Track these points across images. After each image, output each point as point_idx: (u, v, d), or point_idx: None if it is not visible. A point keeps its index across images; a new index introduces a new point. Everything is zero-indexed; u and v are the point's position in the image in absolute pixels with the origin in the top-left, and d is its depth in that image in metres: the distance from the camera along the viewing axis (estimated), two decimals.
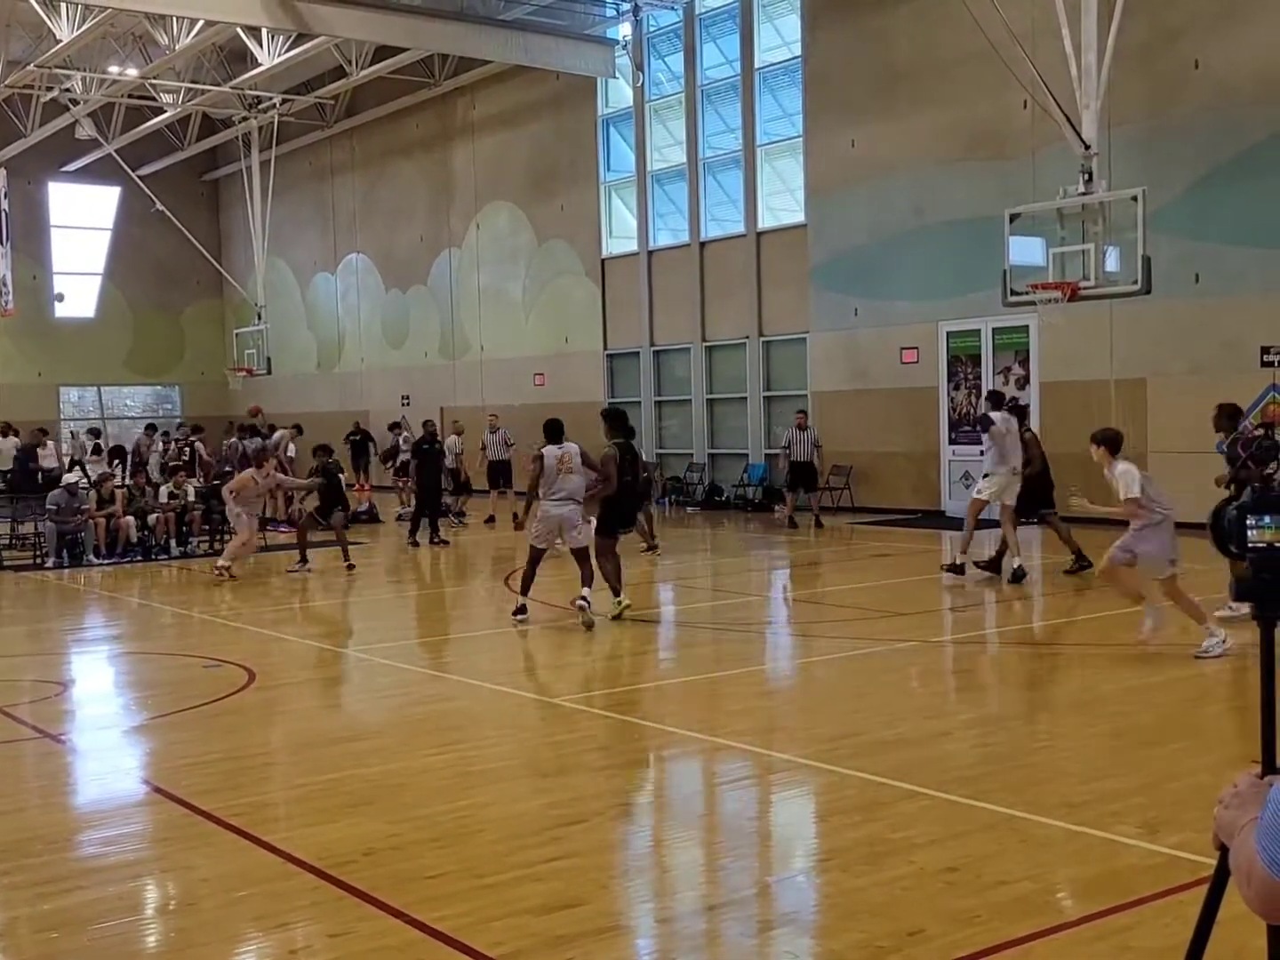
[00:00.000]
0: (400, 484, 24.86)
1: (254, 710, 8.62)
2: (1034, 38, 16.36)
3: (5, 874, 5.35)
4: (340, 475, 17.43)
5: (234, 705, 8.62)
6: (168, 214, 29.75)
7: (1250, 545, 2.15)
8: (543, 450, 11.52)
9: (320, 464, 16.98)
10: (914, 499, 20.69)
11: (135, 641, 12.01)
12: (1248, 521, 2.16)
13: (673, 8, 24.27)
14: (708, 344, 24.42)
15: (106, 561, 17.26)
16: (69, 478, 17.94)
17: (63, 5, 22.40)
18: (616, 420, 12.37)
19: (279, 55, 24.04)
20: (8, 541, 18.28)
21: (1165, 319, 17.11)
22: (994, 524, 14.16)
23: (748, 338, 23.55)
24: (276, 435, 25.45)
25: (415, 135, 30.76)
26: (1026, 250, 15.79)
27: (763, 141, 23.39)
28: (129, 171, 30.26)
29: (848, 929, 4.55)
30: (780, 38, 23.37)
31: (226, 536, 18.44)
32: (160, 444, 26.80)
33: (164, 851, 5.73)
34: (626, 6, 24.42)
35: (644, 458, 19.36)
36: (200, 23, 22.89)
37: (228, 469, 23.40)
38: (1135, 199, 14.52)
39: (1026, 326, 18.91)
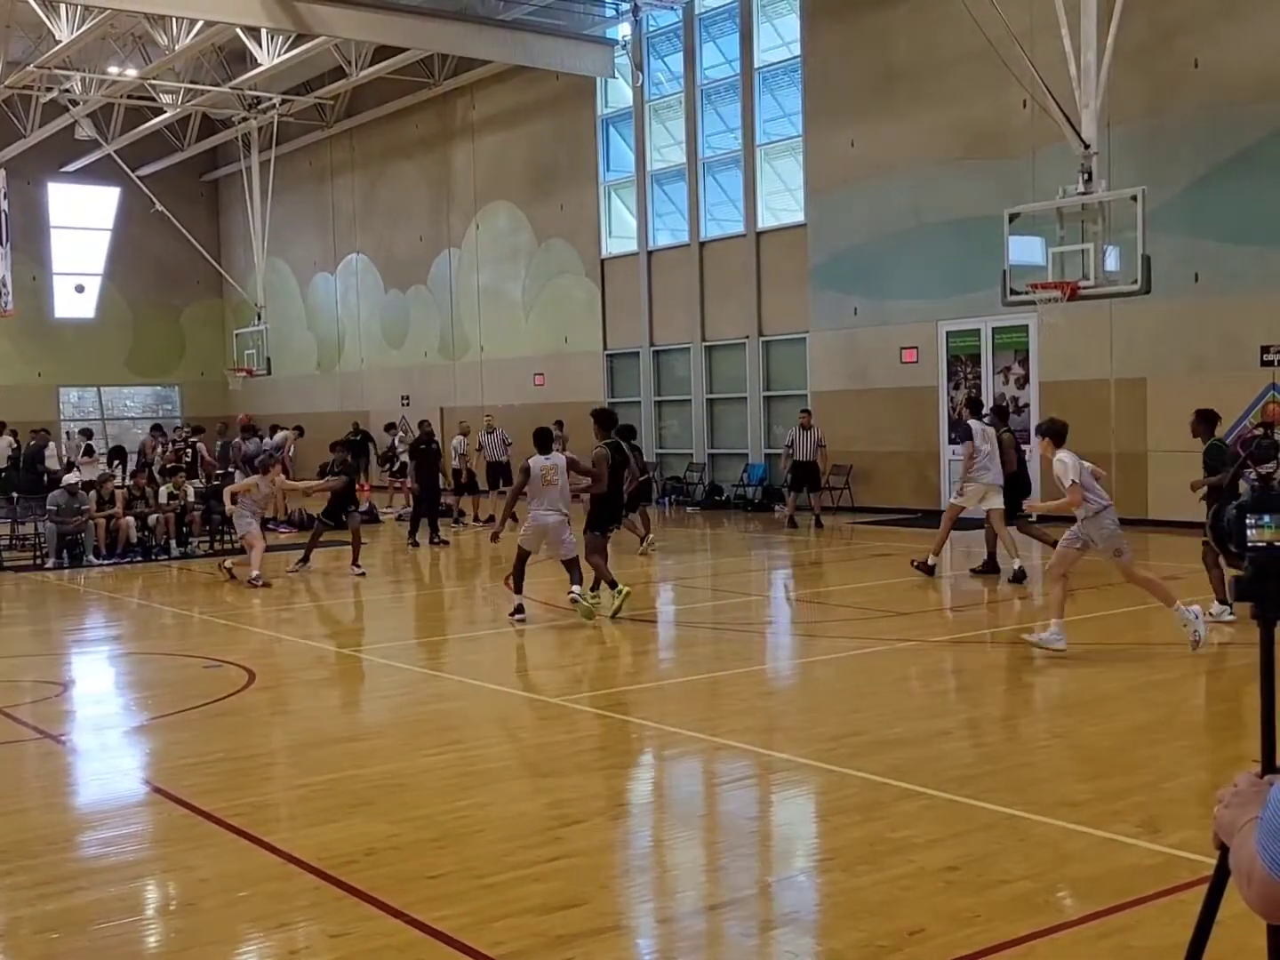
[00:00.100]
0: (398, 484, 24.87)
1: (254, 711, 8.62)
2: (1033, 37, 16.37)
3: (6, 874, 5.35)
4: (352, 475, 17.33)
5: (234, 706, 8.62)
6: (167, 214, 29.75)
7: (1250, 544, 2.15)
8: (529, 461, 11.59)
9: (340, 459, 16.81)
10: (914, 499, 20.70)
11: (135, 642, 12.01)
12: (1247, 521, 2.16)
13: (672, 8, 24.27)
14: (707, 344, 24.42)
15: (106, 562, 17.26)
16: (69, 478, 17.94)
17: (62, 6, 22.40)
18: (606, 420, 12.58)
19: (278, 55, 24.04)
20: (8, 542, 18.30)
21: (1165, 318, 17.11)
22: (969, 527, 14.28)
23: (747, 337, 23.56)
24: (279, 436, 25.45)
25: (415, 135, 30.76)
26: (1026, 250, 15.80)
27: (762, 141, 23.39)
28: (128, 172, 30.26)
29: (848, 928, 4.56)
30: (779, 37, 23.38)
31: (227, 537, 18.46)
32: (162, 445, 26.82)
33: (164, 852, 5.73)
34: (626, 6, 24.42)
35: (644, 457, 19.50)
36: (200, 23, 22.90)
37: (229, 469, 23.41)
38: (1134, 198, 14.52)
39: (1026, 326, 18.91)
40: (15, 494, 20.17)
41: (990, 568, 13.80)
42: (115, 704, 9.55)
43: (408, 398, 31.21)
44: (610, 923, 4.72)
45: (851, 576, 15.12)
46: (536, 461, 11.54)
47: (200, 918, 4.87)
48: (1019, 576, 13.13)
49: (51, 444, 25.29)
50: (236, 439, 25.28)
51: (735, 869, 5.34)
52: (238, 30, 23.77)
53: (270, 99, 29.47)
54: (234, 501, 15.50)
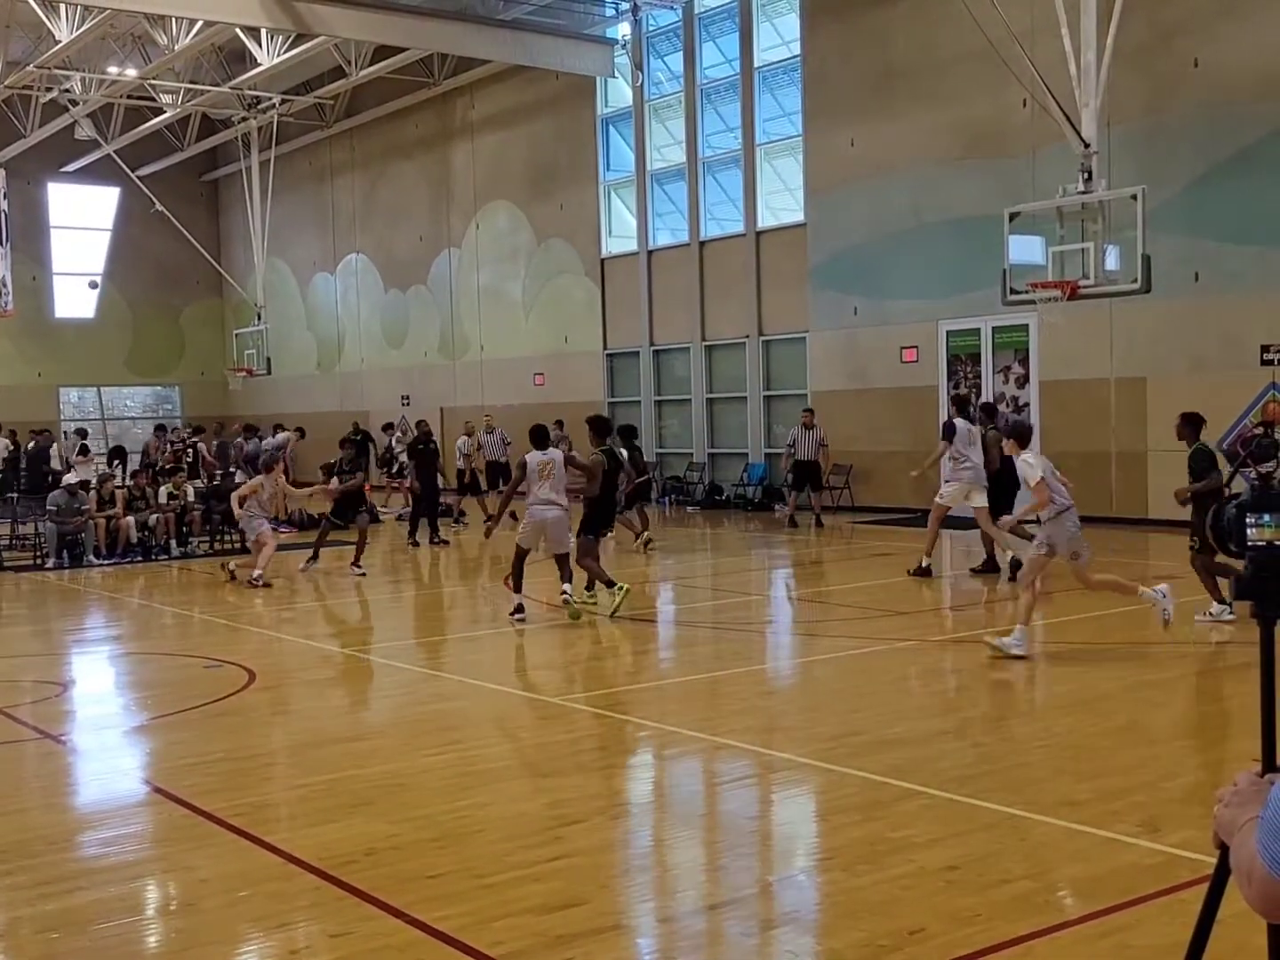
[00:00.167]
0: (395, 484, 24.86)
1: (255, 711, 8.63)
2: (1033, 36, 16.36)
3: (7, 874, 5.35)
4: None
5: (235, 706, 8.62)
6: (167, 214, 29.74)
7: (1250, 543, 2.15)
8: (526, 457, 11.74)
9: (350, 457, 16.64)
10: (914, 498, 20.64)
11: (136, 642, 12.01)
12: (1247, 520, 2.16)
13: (672, 7, 24.27)
14: (707, 343, 24.42)
15: (107, 562, 17.27)
16: (68, 478, 17.94)
17: (62, 6, 22.39)
18: (602, 428, 12.72)
19: (278, 55, 24.04)
20: (8, 542, 18.30)
21: (1165, 317, 17.11)
22: (968, 526, 14.30)
23: (747, 337, 23.56)
24: (281, 436, 25.45)
25: (415, 135, 30.76)
26: (1026, 249, 15.79)
27: (762, 141, 23.39)
28: (128, 172, 30.25)
29: (848, 928, 4.56)
30: (779, 37, 23.37)
31: (227, 537, 18.47)
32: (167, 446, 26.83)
33: (165, 852, 5.73)
34: (626, 6, 24.42)
35: (644, 457, 19.54)
36: (199, 23, 22.90)
37: (231, 469, 23.41)
38: (1134, 197, 14.51)
39: (1026, 325, 18.91)
40: (13, 495, 20.18)
41: (990, 567, 13.83)
42: (115, 704, 9.55)
43: (408, 398, 31.21)
44: (610, 922, 4.72)
45: (851, 576, 15.12)
46: (533, 457, 11.66)
47: (201, 918, 4.87)
48: (1016, 565, 13.15)
49: (55, 444, 25.32)
50: (239, 439, 25.29)
51: (735, 868, 5.34)
52: (237, 30, 23.76)
53: (270, 99, 29.47)
54: (241, 505, 15.45)
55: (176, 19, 23.09)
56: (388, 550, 18.80)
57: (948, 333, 20.18)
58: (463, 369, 29.95)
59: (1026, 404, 19.25)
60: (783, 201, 23.64)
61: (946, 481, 13.85)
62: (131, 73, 27.17)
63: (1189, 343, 17.14)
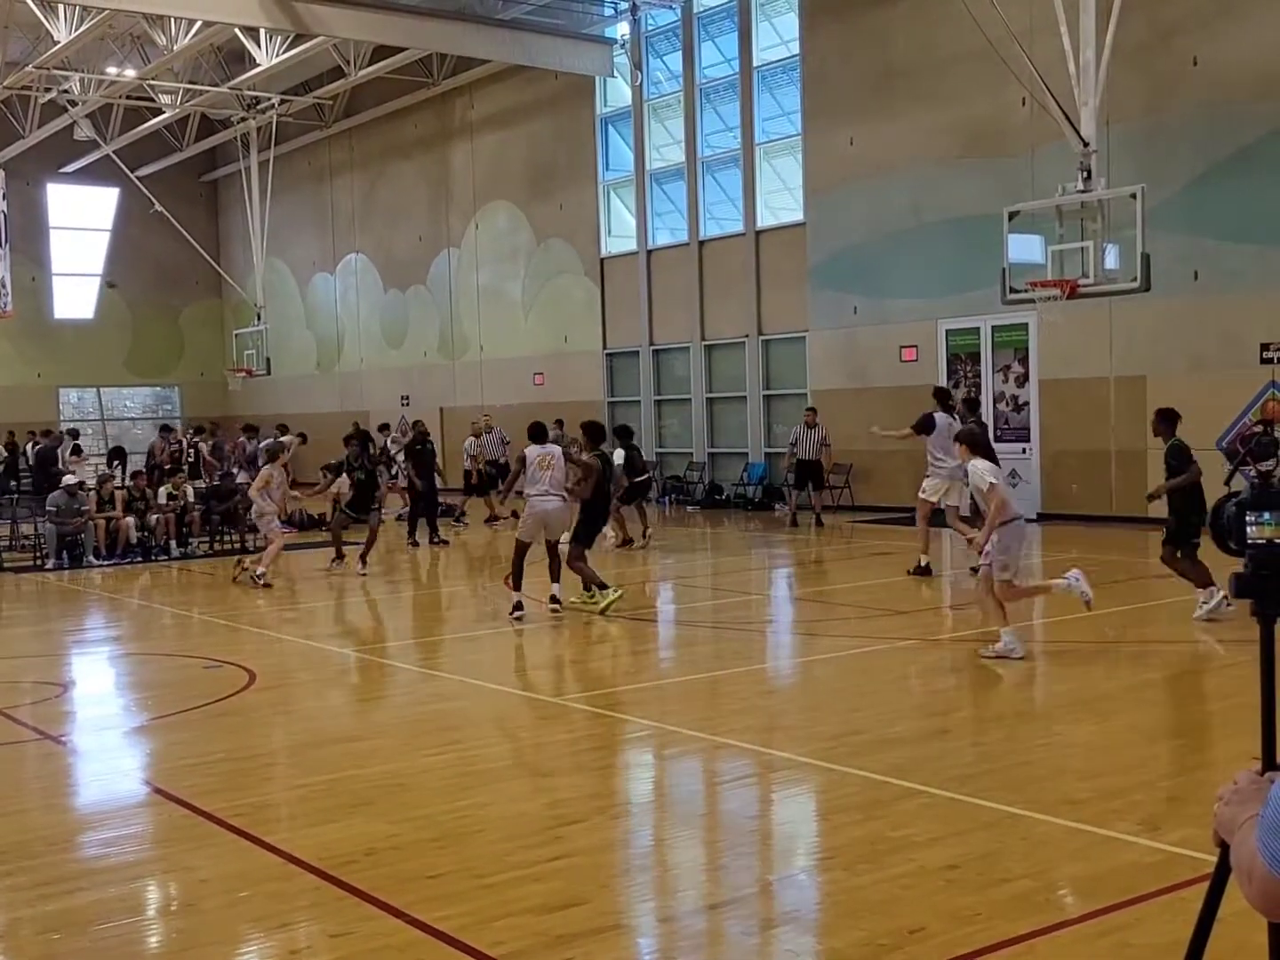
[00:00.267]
0: (390, 484, 24.85)
1: (255, 711, 8.62)
2: (1032, 35, 16.36)
3: (7, 875, 5.35)
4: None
5: (235, 706, 8.62)
6: (166, 215, 29.73)
7: (1250, 542, 2.15)
8: (524, 450, 11.91)
9: (356, 454, 16.53)
10: (914, 498, 20.60)
11: (135, 642, 12.01)
12: (1247, 518, 2.16)
13: (671, 7, 24.27)
14: (707, 343, 24.42)
15: (106, 563, 17.26)
16: (67, 479, 17.94)
17: (60, 6, 22.39)
18: (596, 434, 12.92)
19: (277, 55, 24.04)
20: (8, 543, 18.30)
21: (1164, 316, 17.11)
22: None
23: (747, 337, 23.55)
24: (286, 439, 25.43)
25: (414, 135, 30.76)
26: (1025, 248, 15.79)
27: (761, 140, 23.38)
28: (127, 172, 30.24)
29: (849, 927, 4.56)
30: (778, 36, 23.37)
31: (227, 537, 18.48)
32: (182, 444, 26.82)
33: (165, 852, 5.73)
34: (625, 6, 24.43)
35: (643, 457, 19.55)
36: (198, 23, 22.89)
37: (233, 469, 23.39)
38: (1134, 196, 14.50)
39: (1026, 324, 18.90)
40: (13, 495, 20.17)
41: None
42: (115, 705, 9.55)
43: (407, 398, 31.21)
44: (611, 922, 4.72)
45: (851, 575, 15.12)
46: (532, 450, 11.86)
47: (201, 918, 4.87)
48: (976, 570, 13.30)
49: (62, 445, 25.31)
50: (240, 439, 25.28)
51: (736, 868, 5.34)
52: (236, 30, 23.75)
53: (269, 99, 29.46)
54: (261, 495, 15.36)
55: (175, 19, 23.08)
56: (388, 550, 18.79)
57: (947, 332, 20.18)
58: (462, 369, 29.94)
59: (1026, 403, 19.26)
60: (782, 201, 23.64)
61: (927, 476, 13.92)
62: (130, 73, 27.17)
63: (1188, 341, 17.13)
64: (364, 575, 15.32)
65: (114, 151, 29.92)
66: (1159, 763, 6.68)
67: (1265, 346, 16.31)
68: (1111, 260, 15.07)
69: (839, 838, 5.64)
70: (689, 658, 10.52)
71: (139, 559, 17.52)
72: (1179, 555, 10.36)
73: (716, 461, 24.55)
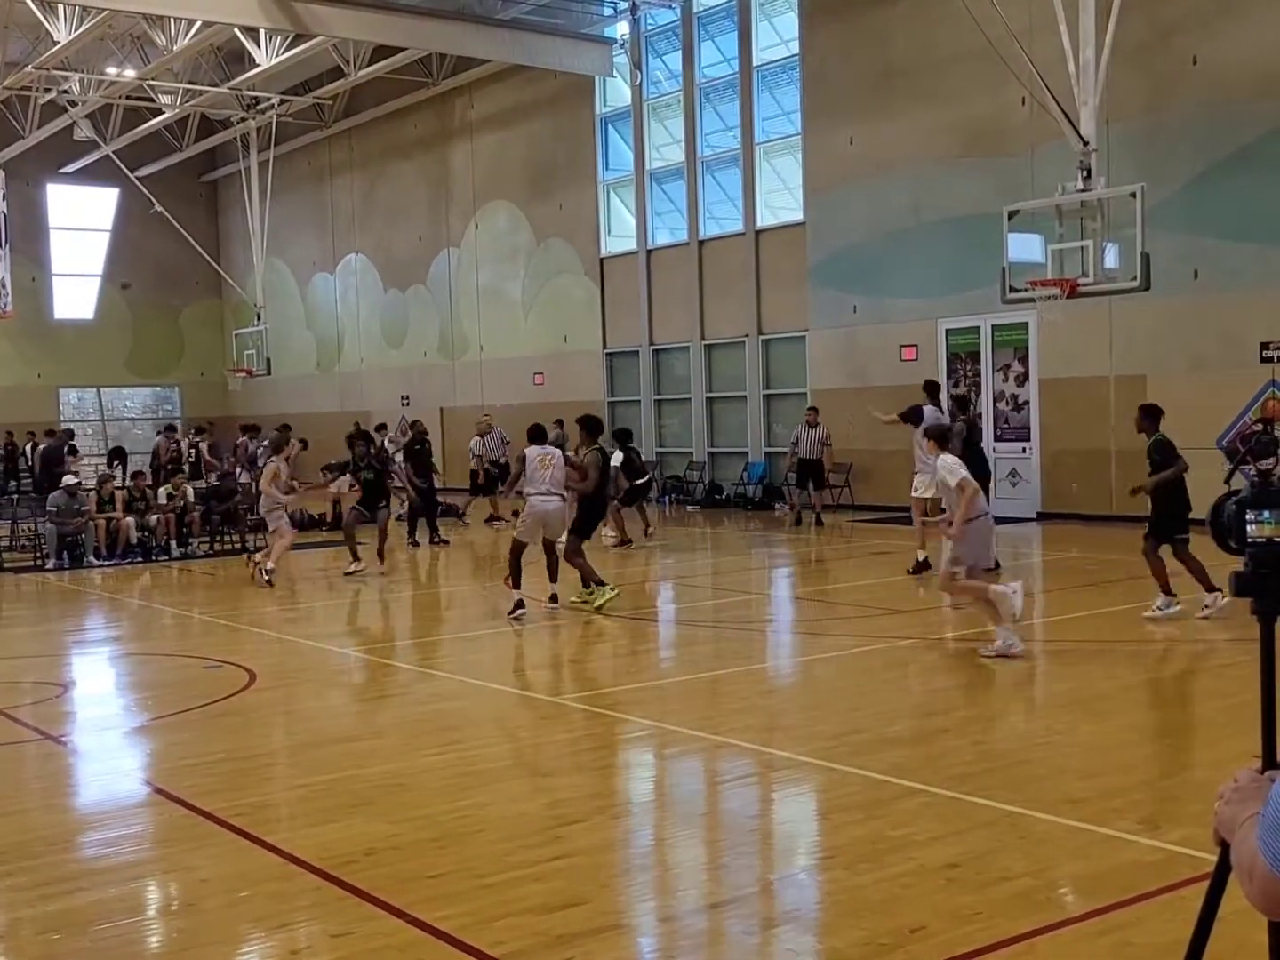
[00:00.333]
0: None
1: (255, 711, 8.62)
2: (1032, 34, 16.35)
3: (7, 875, 5.35)
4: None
5: (235, 706, 8.62)
6: (166, 215, 29.73)
7: (1250, 540, 2.15)
8: (524, 451, 11.98)
9: (362, 454, 16.46)
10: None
11: (136, 643, 12.01)
12: (1247, 517, 2.15)
13: (670, 6, 24.26)
14: (707, 342, 24.41)
15: (107, 563, 17.26)
16: (67, 479, 17.94)
17: (60, 6, 22.39)
18: (594, 427, 12.98)
19: (277, 56, 24.04)
20: (8, 543, 18.30)
21: (1164, 315, 17.11)
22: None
23: (747, 336, 23.55)
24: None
25: (414, 135, 30.76)
26: (1025, 247, 15.79)
27: (761, 140, 23.37)
28: (127, 173, 30.24)
29: (849, 926, 4.55)
30: (778, 36, 23.37)
31: (227, 537, 18.48)
32: (179, 446, 26.80)
33: (165, 852, 5.73)
34: (624, 5, 24.42)
35: (642, 458, 19.58)
36: (198, 23, 22.89)
37: (235, 469, 23.39)
38: (1134, 195, 14.50)
39: (1026, 323, 18.90)
40: (13, 495, 20.17)
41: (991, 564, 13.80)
42: (116, 705, 9.55)
43: (407, 398, 31.21)
44: (611, 922, 4.72)
45: (851, 574, 15.12)
46: (532, 450, 11.91)
47: (201, 918, 4.87)
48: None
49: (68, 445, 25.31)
50: (242, 439, 25.27)
51: (736, 867, 5.34)
52: (236, 31, 23.75)
53: (269, 99, 29.46)
54: (271, 487, 15.30)
55: (175, 19, 23.08)
56: (388, 550, 18.76)
57: (947, 331, 20.18)
58: (462, 369, 29.94)
59: (1026, 402, 19.26)
60: (782, 200, 23.63)
61: (916, 472, 13.94)
62: (130, 73, 27.17)
63: (1188, 340, 17.13)
64: (384, 573, 15.29)
65: (114, 152, 29.92)
66: (1159, 761, 6.68)
67: (1265, 345, 16.31)
68: (1111, 259, 15.06)
69: (839, 837, 5.64)
70: (689, 657, 10.52)
71: (139, 559, 17.52)
72: (1158, 552, 10.37)
73: (716, 461, 24.54)
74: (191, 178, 36.46)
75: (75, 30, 22.69)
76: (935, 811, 5.80)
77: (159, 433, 28.97)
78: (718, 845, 5.70)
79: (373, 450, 16.77)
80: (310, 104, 30.37)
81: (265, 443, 24.09)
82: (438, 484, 20.24)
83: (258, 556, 15.46)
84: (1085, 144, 14.99)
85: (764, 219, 23.40)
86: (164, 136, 32.96)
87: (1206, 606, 10.22)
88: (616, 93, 26.06)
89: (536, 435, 12.26)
